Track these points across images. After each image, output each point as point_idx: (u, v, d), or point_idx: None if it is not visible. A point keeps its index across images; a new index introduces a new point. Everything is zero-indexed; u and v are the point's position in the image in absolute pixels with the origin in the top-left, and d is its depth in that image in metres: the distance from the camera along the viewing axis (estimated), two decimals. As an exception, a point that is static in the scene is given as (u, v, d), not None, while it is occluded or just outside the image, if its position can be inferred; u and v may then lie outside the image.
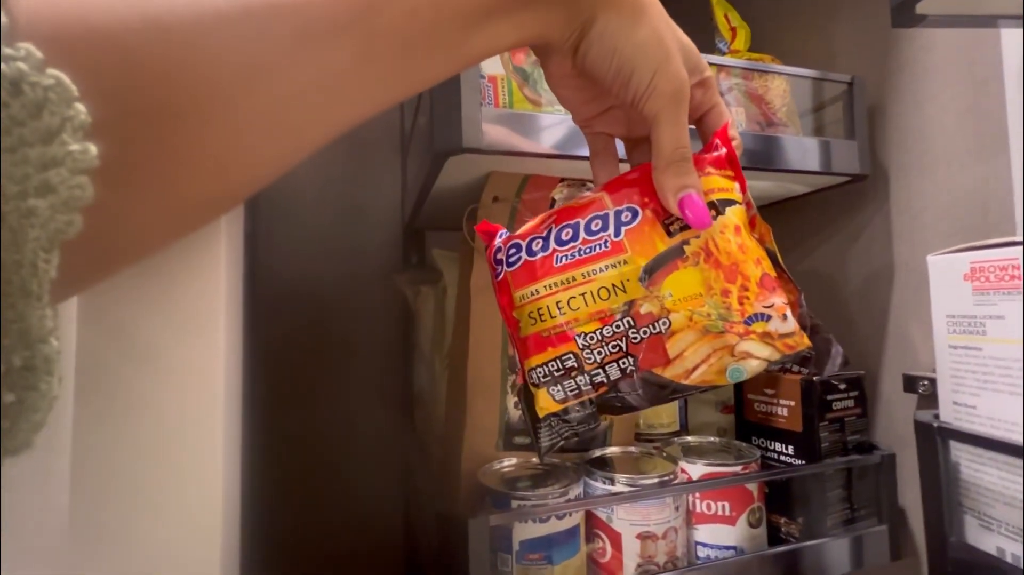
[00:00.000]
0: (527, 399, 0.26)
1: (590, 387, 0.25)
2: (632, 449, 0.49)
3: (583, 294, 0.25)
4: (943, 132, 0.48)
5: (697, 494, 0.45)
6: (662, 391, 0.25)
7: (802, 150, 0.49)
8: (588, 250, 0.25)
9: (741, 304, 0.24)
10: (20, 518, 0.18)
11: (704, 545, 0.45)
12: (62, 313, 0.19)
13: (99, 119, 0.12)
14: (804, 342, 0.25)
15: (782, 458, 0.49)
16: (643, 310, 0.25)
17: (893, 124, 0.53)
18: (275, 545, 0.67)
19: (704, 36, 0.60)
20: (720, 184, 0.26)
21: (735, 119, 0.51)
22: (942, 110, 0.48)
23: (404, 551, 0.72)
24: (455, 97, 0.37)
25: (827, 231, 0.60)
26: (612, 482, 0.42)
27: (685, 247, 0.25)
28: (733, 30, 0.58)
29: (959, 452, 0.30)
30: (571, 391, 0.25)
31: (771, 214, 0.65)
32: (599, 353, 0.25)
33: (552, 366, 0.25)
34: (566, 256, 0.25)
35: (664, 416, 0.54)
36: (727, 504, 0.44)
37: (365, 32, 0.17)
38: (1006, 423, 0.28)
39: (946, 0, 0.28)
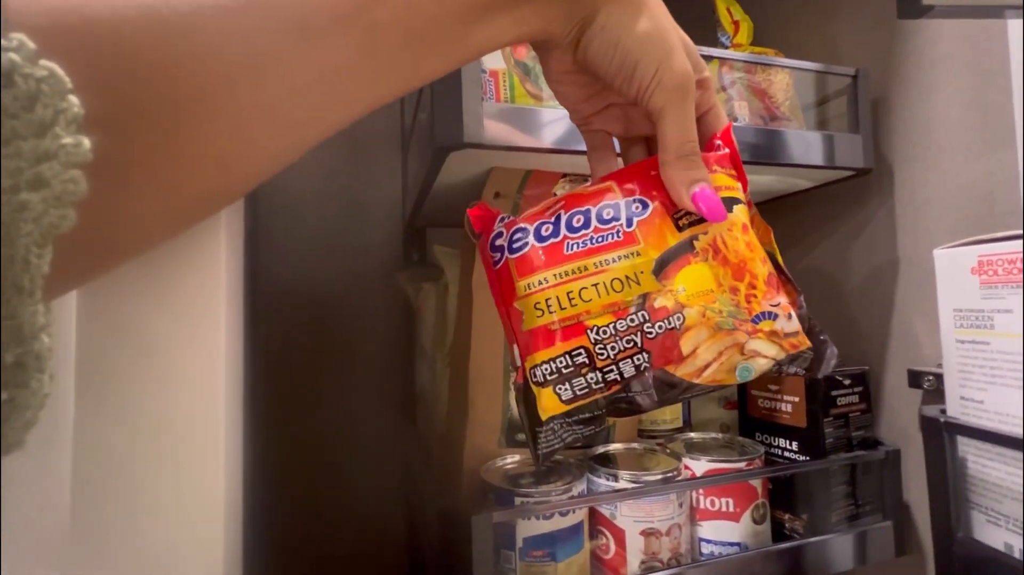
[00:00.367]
0: (527, 400, 0.24)
1: (602, 385, 0.23)
2: (635, 445, 0.49)
3: (595, 285, 0.23)
4: (948, 125, 0.48)
5: (701, 490, 0.44)
6: (672, 391, 0.24)
7: (805, 144, 0.48)
8: (600, 239, 0.24)
9: (748, 302, 0.24)
10: (21, 516, 0.18)
11: (708, 542, 0.44)
12: (62, 309, 0.18)
13: (94, 112, 0.12)
14: (806, 342, 0.24)
15: (786, 454, 0.49)
16: (657, 304, 0.23)
17: (897, 117, 0.53)
18: (277, 545, 0.67)
19: (706, 30, 0.60)
20: (726, 182, 0.25)
21: (738, 113, 0.51)
22: (947, 103, 0.48)
23: (407, 550, 0.73)
24: (456, 92, 0.37)
25: (831, 226, 0.60)
26: (615, 479, 0.42)
27: (695, 242, 0.24)
28: (735, 24, 0.58)
29: (966, 447, 0.30)
30: (580, 390, 0.23)
31: (775, 209, 0.64)
32: (612, 348, 0.23)
33: (560, 362, 0.23)
34: (578, 244, 0.24)
35: (667, 412, 0.54)
36: (731, 500, 0.44)
37: (366, 25, 0.17)
38: (1014, 418, 0.27)
39: (953, -10, 0.28)
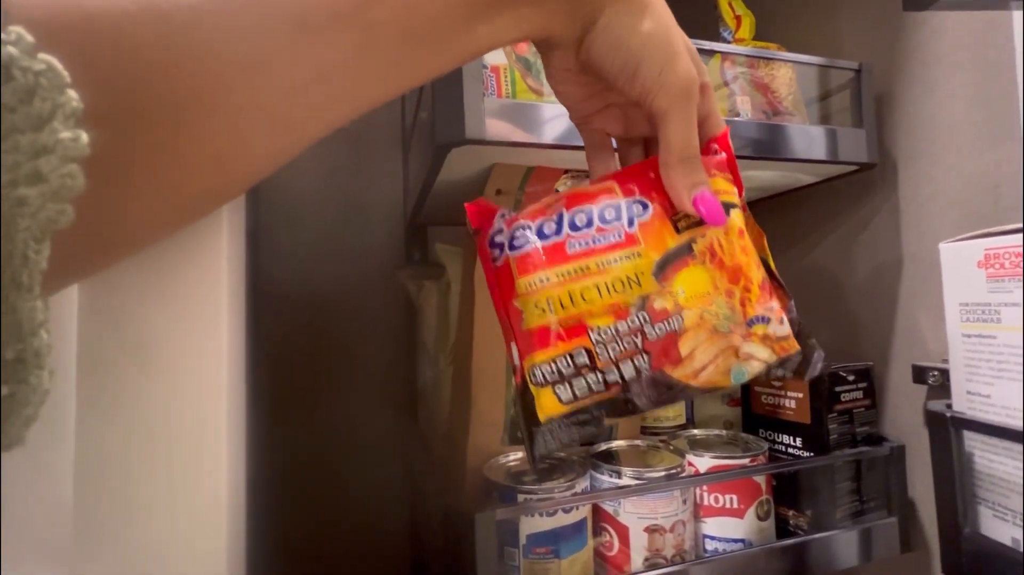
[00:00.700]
0: (524, 400, 0.24)
1: (602, 387, 0.23)
2: (638, 442, 0.48)
3: (597, 285, 0.23)
4: (953, 118, 0.47)
5: (704, 487, 0.44)
6: (668, 392, 0.24)
7: (808, 139, 0.48)
8: (602, 239, 0.24)
9: (743, 306, 0.24)
10: (24, 514, 0.18)
11: (712, 538, 0.44)
12: (63, 306, 0.18)
13: (93, 108, 0.12)
14: (795, 346, 0.25)
15: (790, 450, 0.49)
16: (658, 306, 0.23)
17: (901, 111, 0.52)
18: (280, 545, 0.67)
19: (708, 25, 0.59)
20: (724, 187, 0.25)
21: (740, 108, 0.51)
22: (952, 96, 0.47)
23: (409, 549, 0.73)
24: (457, 88, 0.37)
25: (834, 221, 0.60)
26: (619, 475, 0.42)
27: (693, 245, 0.24)
28: (737, 18, 0.58)
29: (973, 442, 0.30)
30: (581, 391, 0.23)
31: (778, 204, 0.64)
32: (613, 349, 0.23)
33: (561, 363, 0.23)
34: (580, 243, 0.24)
35: (670, 409, 0.53)
36: (735, 497, 0.44)
37: (366, 23, 0.16)
38: (1021, 412, 0.27)
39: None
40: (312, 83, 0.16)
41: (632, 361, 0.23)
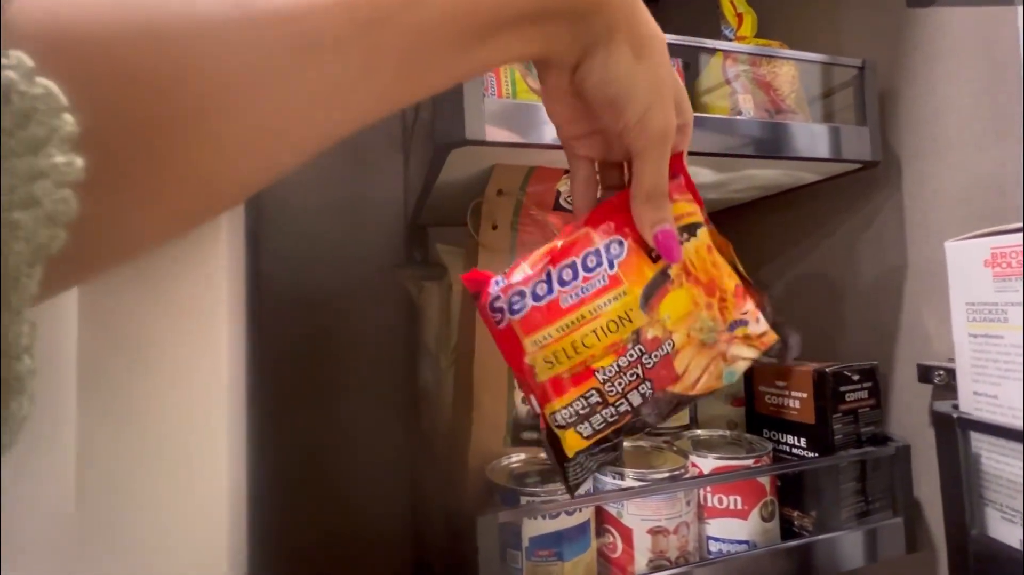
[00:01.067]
0: (551, 441, 0.27)
1: (616, 417, 0.26)
2: (642, 443, 0.48)
3: (594, 331, 0.26)
4: (958, 115, 0.47)
5: (708, 488, 0.44)
6: (674, 406, 0.27)
7: (811, 137, 0.48)
8: (589, 287, 0.26)
9: (722, 314, 0.27)
10: (26, 517, 0.18)
11: (716, 539, 0.44)
12: (63, 310, 0.18)
13: (89, 129, 0.12)
14: (774, 337, 0.28)
15: (794, 451, 0.48)
16: (650, 335, 0.26)
17: (906, 109, 0.52)
18: (283, 547, 0.67)
19: (710, 23, 0.59)
20: (687, 209, 0.27)
21: (742, 107, 0.50)
22: (957, 93, 0.47)
23: (412, 551, 0.72)
24: (457, 89, 0.36)
25: (838, 219, 0.59)
26: (622, 477, 0.41)
27: (668, 271, 0.27)
28: (739, 16, 0.57)
29: (980, 443, 0.30)
30: (599, 425, 0.26)
31: (781, 203, 0.64)
32: (619, 384, 0.26)
33: (577, 405, 0.26)
34: (571, 296, 0.26)
35: (673, 410, 0.53)
36: (739, 498, 0.43)
37: (368, 47, 0.16)
38: (1029, 413, 0.27)
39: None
40: (311, 104, 0.16)
41: (638, 390, 0.26)
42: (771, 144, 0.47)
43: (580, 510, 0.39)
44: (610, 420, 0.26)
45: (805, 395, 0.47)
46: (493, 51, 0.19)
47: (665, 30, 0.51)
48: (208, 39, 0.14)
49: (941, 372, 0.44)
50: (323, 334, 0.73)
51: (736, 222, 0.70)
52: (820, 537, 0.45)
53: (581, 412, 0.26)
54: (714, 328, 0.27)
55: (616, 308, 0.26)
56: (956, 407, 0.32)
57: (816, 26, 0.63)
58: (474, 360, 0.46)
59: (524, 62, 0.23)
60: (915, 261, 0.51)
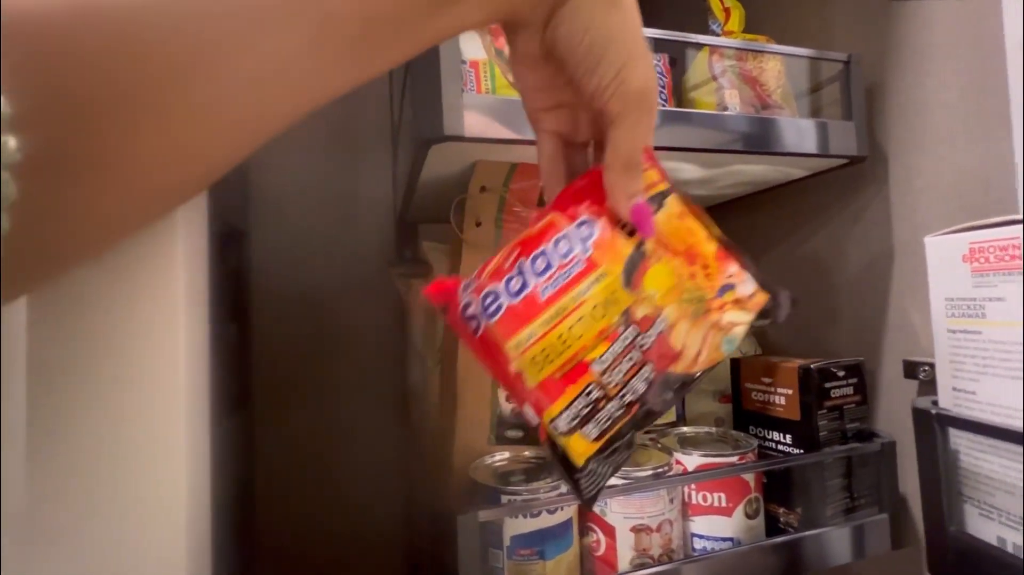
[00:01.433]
0: (556, 453, 0.24)
1: (622, 411, 0.24)
2: (627, 441, 0.48)
3: (580, 319, 0.23)
4: (944, 109, 0.47)
5: (693, 485, 0.44)
6: (679, 388, 0.25)
7: (797, 132, 0.48)
8: (566, 274, 0.24)
9: (708, 281, 0.25)
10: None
11: (700, 537, 0.44)
12: (12, 311, 0.18)
13: (26, 111, 0.11)
14: (764, 296, 0.26)
15: (780, 447, 0.48)
16: (640, 314, 0.24)
17: (892, 103, 0.51)
18: (273, 546, 0.67)
19: (697, 17, 0.58)
20: (653, 178, 0.26)
21: (728, 102, 0.50)
22: (943, 87, 0.47)
23: (406, 551, 0.72)
24: (435, 84, 0.36)
25: (826, 215, 0.59)
26: (605, 475, 0.41)
27: (644, 246, 0.25)
28: (727, 11, 0.57)
29: (959, 439, 0.29)
30: (605, 423, 0.24)
31: (769, 199, 0.63)
32: (618, 372, 0.24)
33: (577, 405, 0.23)
34: (549, 287, 0.24)
35: (660, 407, 0.53)
36: (723, 495, 0.43)
37: (321, 14, 0.16)
38: (1006, 409, 0.26)
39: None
40: (269, 76, 0.16)
41: (640, 376, 0.24)
42: (757, 139, 0.46)
43: (562, 509, 0.39)
44: (617, 415, 0.24)
45: (790, 391, 0.47)
46: (456, 14, 0.19)
47: (653, 25, 0.51)
48: (149, 12, 0.13)
49: (926, 368, 0.44)
50: (315, 331, 0.72)
51: (724, 218, 0.69)
52: (805, 534, 0.45)
53: (583, 413, 0.23)
54: (702, 297, 0.25)
55: (599, 292, 0.24)
56: (935, 403, 0.32)
57: (804, 21, 0.62)
58: (458, 359, 0.46)
59: (492, 24, 0.22)
60: (902, 256, 0.51)
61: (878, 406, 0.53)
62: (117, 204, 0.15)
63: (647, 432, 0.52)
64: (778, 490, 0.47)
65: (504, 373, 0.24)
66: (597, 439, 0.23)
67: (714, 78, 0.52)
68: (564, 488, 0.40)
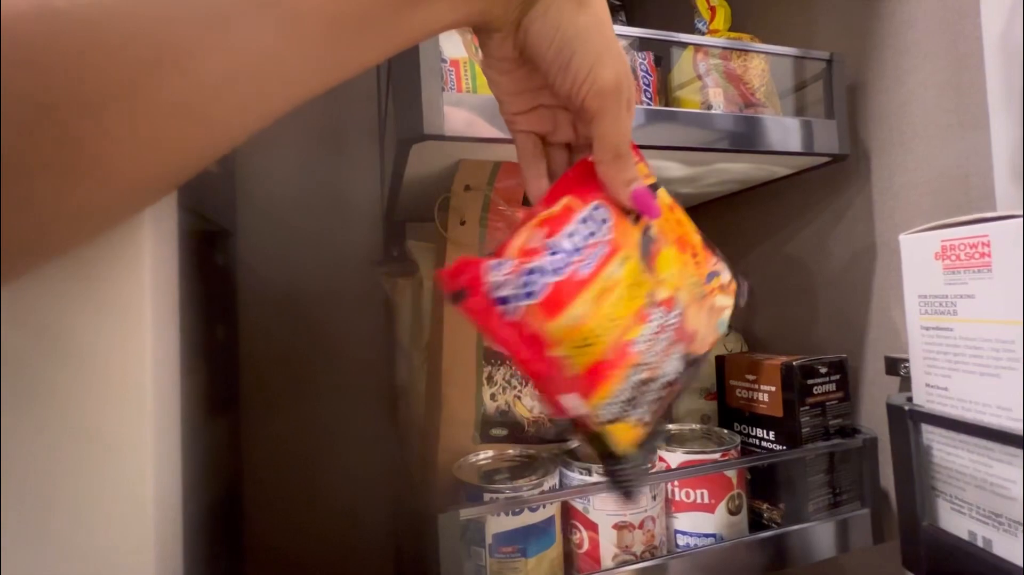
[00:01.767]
0: (599, 444, 0.23)
1: (666, 392, 0.23)
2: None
3: (619, 299, 0.22)
4: (924, 108, 0.47)
5: (676, 482, 0.44)
6: (695, 369, 0.25)
7: (780, 130, 0.48)
8: (596, 254, 0.23)
9: (699, 268, 0.26)
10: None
11: (683, 533, 0.44)
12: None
13: None
14: (735, 283, 0.28)
15: (763, 444, 0.48)
16: (661, 296, 0.24)
17: (874, 101, 0.52)
18: (263, 546, 0.67)
19: (683, 16, 0.59)
20: (643, 170, 0.26)
21: (712, 101, 0.50)
22: (923, 85, 0.47)
23: (392, 552, 0.72)
24: (415, 83, 0.36)
25: (809, 213, 0.60)
26: (589, 472, 0.41)
27: (650, 232, 0.25)
28: (712, 9, 0.57)
29: (931, 435, 0.30)
30: (652, 405, 0.23)
31: (753, 197, 0.64)
32: (654, 354, 0.23)
33: (625, 388, 0.22)
34: (587, 265, 0.22)
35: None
36: (706, 492, 0.44)
37: (290, 13, 0.16)
38: (976, 404, 0.27)
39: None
40: (238, 76, 0.16)
41: (674, 355, 0.24)
42: (741, 138, 0.47)
43: (544, 506, 0.39)
44: (662, 396, 0.23)
45: (773, 388, 0.47)
46: (427, 16, 0.19)
47: (640, 24, 0.50)
48: (112, 12, 0.13)
49: (907, 364, 0.44)
50: (303, 330, 0.72)
51: (708, 217, 0.70)
52: (788, 529, 0.45)
53: (631, 394, 0.22)
54: (699, 283, 0.26)
55: (627, 273, 0.23)
56: (910, 399, 0.32)
57: (789, 20, 0.62)
58: (442, 357, 0.46)
59: (465, 26, 0.22)
60: (884, 253, 0.51)
61: (860, 402, 0.54)
62: (88, 198, 0.15)
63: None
64: (762, 486, 0.48)
65: (536, 361, 0.22)
66: (646, 424, 0.23)
67: (699, 77, 0.52)
68: (547, 485, 0.40)
